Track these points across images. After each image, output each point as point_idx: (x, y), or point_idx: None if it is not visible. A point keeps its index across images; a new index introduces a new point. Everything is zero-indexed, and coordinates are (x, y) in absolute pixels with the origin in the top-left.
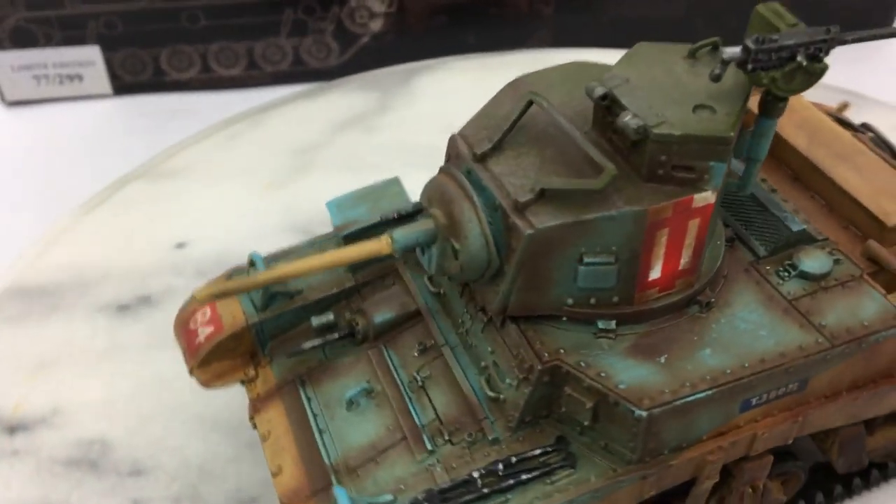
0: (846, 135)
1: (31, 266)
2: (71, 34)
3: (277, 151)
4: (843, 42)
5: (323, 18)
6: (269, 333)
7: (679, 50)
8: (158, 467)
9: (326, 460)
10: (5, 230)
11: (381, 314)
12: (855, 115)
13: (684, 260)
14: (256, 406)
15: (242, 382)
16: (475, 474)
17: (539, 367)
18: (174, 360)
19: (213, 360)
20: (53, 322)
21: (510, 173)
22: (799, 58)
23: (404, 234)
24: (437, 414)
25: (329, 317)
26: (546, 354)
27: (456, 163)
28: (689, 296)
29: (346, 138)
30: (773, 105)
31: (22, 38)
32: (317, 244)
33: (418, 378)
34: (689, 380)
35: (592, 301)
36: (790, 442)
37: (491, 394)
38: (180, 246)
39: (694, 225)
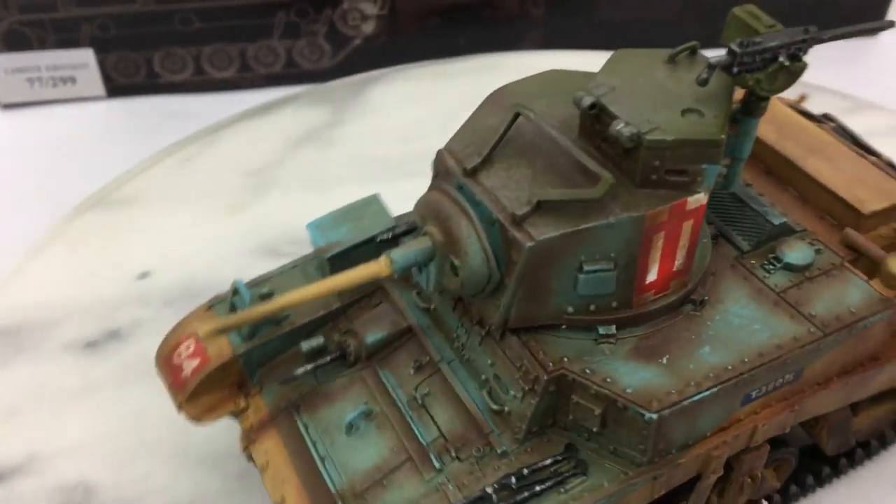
0: (812, 126)
1: None
2: (64, 37)
3: (234, 172)
4: (821, 41)
5: (315, 21)
6: (258, 361)
7: (658, 55)
8: None
9: (331, 487)
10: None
11: (373, 334)
12: (852, 120)
13: (678, 261)
14: (250, 437)
15: (234, 414)
16: (489, 490)
17: (545, 377)
18: (150, 395)
19: (201, 393)
20: (20, 364)
21: (503, 186)
22: (781, 58)
23: (403, 254)
24: (440, 431)
25: (319, 340)
26: (550, 364)
27: (446, 178)
28: (684, 295)
29: (302, 155)
30: (756, 105)
31: (15, 41)
32: (298, 266)
33: (418, 396)
34: (693, 379)
35: (592, 308)
36: (787, 431)
37: (495, 407)
38: (143, 276)
39: (688, 226)
